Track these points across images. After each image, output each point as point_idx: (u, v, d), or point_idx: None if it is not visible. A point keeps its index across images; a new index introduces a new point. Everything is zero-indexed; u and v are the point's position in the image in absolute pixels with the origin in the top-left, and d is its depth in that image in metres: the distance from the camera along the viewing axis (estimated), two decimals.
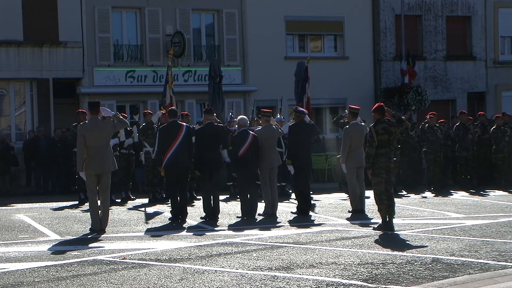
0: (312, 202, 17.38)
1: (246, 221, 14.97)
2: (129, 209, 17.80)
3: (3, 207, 18.63)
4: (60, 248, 11.68)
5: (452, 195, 20.44)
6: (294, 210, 16.04)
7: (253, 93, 28.14)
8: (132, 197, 19.92)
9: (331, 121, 26.14)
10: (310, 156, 16.38)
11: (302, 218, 15.25)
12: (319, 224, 14.32)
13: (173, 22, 27.36)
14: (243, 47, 28.45)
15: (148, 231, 13.70)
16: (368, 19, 30.34)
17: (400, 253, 10.62)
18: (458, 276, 8.96)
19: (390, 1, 30.31)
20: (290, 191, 19.69)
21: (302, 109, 17.07)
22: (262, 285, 8.54)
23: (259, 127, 16.35)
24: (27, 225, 14.71)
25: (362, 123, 16.64)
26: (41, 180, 23.65)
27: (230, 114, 21.62)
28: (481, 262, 9.81)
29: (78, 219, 15.52)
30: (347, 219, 15.06)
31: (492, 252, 10.60)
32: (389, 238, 12.35)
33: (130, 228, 14.10)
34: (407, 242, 11.80)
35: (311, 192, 17.15)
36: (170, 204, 15.70)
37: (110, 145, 13.97)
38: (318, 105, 28.12)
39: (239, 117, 16.75)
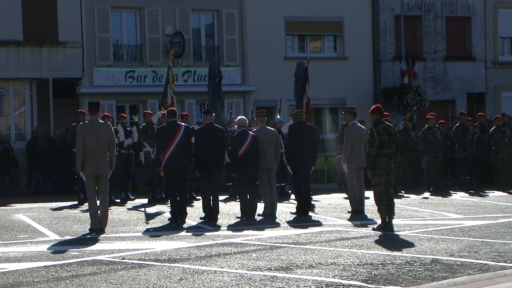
0: (312, 202, 17.37)
1: (246, 221, 14.97)
2: (129, 209, 17.81)
3: (3, 207, 18.62)
4: (59, 248, 11.68)
5: (451, 195, 20.43)
6: (294, 210, 16.03)
7: (252, 93, 28.12)
8: (131, 197, 19.92)
9: (331, 122, 26.24)
10: (310, 156, 16.34)
11: (302, 219, 15.24)
12: (319, 225, 14.32)
13: (173, 22, 27.34)
14: (242, 47, 28.43)
15: (148, 231, 13.70)
16: (368, 19, 30.32)
17: (400, 253, 10.63)
18: (457, 276, 8.96)
19: (389, 1, 30.30)
20: (290, 192, 19.67)
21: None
22: (262, 286, 8.54)
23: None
24: (26, 225, 14.71)
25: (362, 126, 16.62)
26: (40, 180, 23.63)
27: (230, 114, 21.62)
28: (480, 263, 9.81)
29: (78, 219, 15.52)
30: (347, 219, 15.07)
31: (492, 252, 10.61)
32: (388, 238, 12.35)
33: (129, 228, 14.11)
34: (407, 242, 11.80)
35: (310, 193, 17.14)
36: (169, 205, 15.70)
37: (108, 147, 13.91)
38: (318, 105, 28.10)
39: (239, 117, 16.74)
